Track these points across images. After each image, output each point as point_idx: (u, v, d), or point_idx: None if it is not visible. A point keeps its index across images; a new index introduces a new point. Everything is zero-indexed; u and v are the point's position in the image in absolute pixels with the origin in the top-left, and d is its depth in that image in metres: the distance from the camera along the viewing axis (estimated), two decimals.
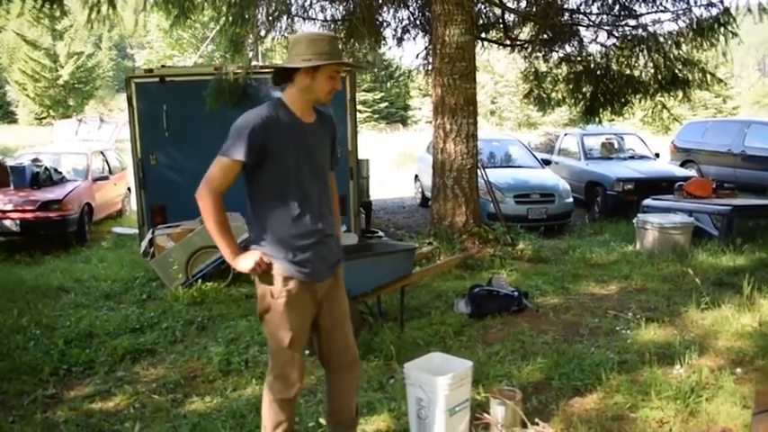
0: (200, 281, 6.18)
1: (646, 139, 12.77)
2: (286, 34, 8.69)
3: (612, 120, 10.38)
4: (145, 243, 6.70)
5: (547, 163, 10.98)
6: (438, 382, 3.12)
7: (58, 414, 3.68)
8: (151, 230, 6.63)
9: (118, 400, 3.81)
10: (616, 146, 11.63)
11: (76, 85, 42.01)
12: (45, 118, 41.29)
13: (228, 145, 2.52)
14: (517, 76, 22.07)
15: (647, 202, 8.59)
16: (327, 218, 2.71)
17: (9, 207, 8.73)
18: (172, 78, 7.01)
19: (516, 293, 5.33)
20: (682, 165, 12.89)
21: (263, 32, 8.02)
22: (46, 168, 9.77)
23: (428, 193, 10.39)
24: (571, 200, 9.67)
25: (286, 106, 2.61)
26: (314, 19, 9.20)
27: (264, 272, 2.60)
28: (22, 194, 9.05)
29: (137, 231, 7.83)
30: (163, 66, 7.73)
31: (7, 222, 8.62)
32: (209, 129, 7.13)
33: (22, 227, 8.66)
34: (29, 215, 8.71)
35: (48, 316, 5.45)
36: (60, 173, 10.07)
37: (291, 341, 2.64)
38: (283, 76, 2.65)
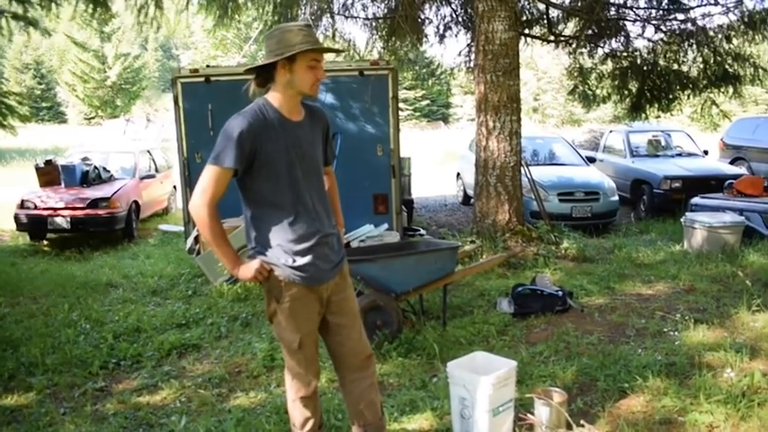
0: None
1: (694, 136, 12.42)
2: (329, 33, 8.74)
3: (659, 116, 10.12)
4: (190, 240, 6.83)
5: (591, 161, 10.78)
6: (481, 381, 3.09)
7: (107, 407, 3.78)
8: (196, 228, 6.74)
9: (165, 393, 3.89)
10: (663, 143, 11.33)
11: (124, 86, 43.26)
12: (94, 118, 42.61)
13: (217, 152, 2.45)
14: (561, 73, 21.73)
15: (696, 200, 8.35)
16: (325, 217, 2.63)
17: (60, 204, 9.02)
18: (217, 78, 7.11)
19: (561, 293, 5.25)
20: (731, 162, 12.49)
21: None
22: (95, 167, 10.06)
23: (470, 191, 10.32)
24: (616, 198, 9.48)
25: (272, 106, 2.53)
26: (356, 17, 9.23)
27: (266, 279, 2.57)
28: (72, 192, 9.33)
29: (182, 229, 8.00)
30: (208, 66, 7.83)
31: (58, 219, 8.91)
32: None
33: (72, 224, 8.93)
34: (79, 212, 8.97)
35: (97, 311, 5.61)
36: (109, 171, 10.35)
37: (300, 343, 2.63)
38: (265, 76, 2.57)
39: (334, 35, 8.94)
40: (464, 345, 4.49)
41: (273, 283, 2.57)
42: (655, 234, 8.56)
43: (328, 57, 8.67)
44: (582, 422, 3.21)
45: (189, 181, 7.25)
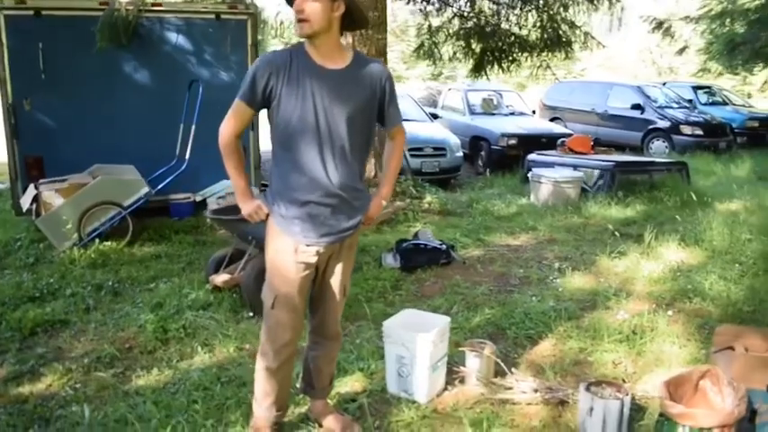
0: (96, 240, 5.60)
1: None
2: None
3: (474, 77, 10.41)
4: (26, 199, 5.90)
5: (435, 117, 11.14)
6: (423, 339, 3.07)
7: None
8: (34, 185, 5.84)
9: (49, 380, 3.33)
10: (495, 102, 12.05)
11: None
12: None
13: (240, 86, 2.41)
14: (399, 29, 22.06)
15: (532, 156, 9.02)
16: (343, 177, 2.42)
17: None
18: (49, 12, 6.10)
19: (444, 246, 5.38)
20: (550, 121, 13.67)
21: None
22: None
23: None
24: (461, 154, 9.93)
25: (304, 50, 2.39)
26: None
27: (262, 221, 2.51)
28: None
29: (7, 186, 6.89)
30: None
31: None
32: (93, 71, 6.40)
33: None
34: None
35: None
36: None
37: (274, 303, 2.50)
38: None
39: None
40: (362, 301, 4.42)
41: (268, 228, 2.50)
42: (497, 188, 9.10)
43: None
44: (512, 369, 3.33)
45: (16, 131, 6.22)
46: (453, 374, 3.31)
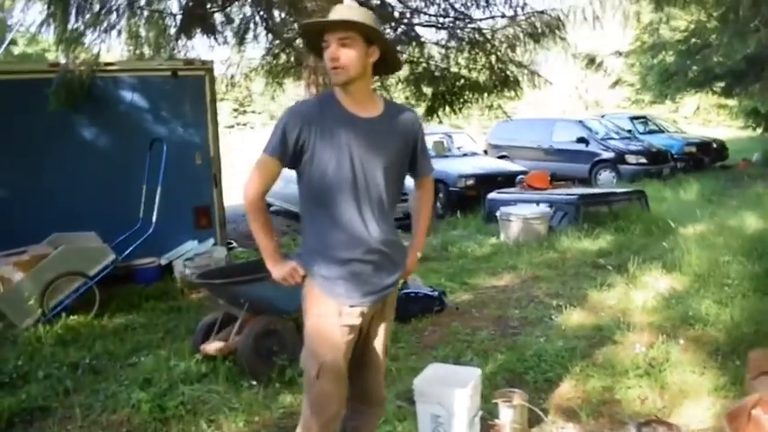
0: (62, 315, 5.20)
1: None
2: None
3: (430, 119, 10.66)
4: None
5: None
6: (461, 394, 2.91)
7: None
8: None
9: None
10: (446, 144, 12.18)
11: None
12: None
13: (268, 140, 2.26)
14: None
15: (493, 195, 9.08)
16: (383, 231, 2.30)
17: None
18: None
19: (436, 293, 5.25)
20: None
21: None
22: None
23: (272, 200, 9.96)
24: None
25: (335, 98, 2.27)
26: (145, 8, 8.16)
27: (298, 284, 2.31)
28: None
29: None
30: None
31: None
32: (47, 135, 6.09)
33: None
34: None
35: None
36: None
37: (319, 372, 2.29)
38: None
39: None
40: None
41: (306, 291, 2.30)
42: (462, 229, 9.06)
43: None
44: (547, 416, 3.19)
45: None
46: (488, 429, 3.15)
